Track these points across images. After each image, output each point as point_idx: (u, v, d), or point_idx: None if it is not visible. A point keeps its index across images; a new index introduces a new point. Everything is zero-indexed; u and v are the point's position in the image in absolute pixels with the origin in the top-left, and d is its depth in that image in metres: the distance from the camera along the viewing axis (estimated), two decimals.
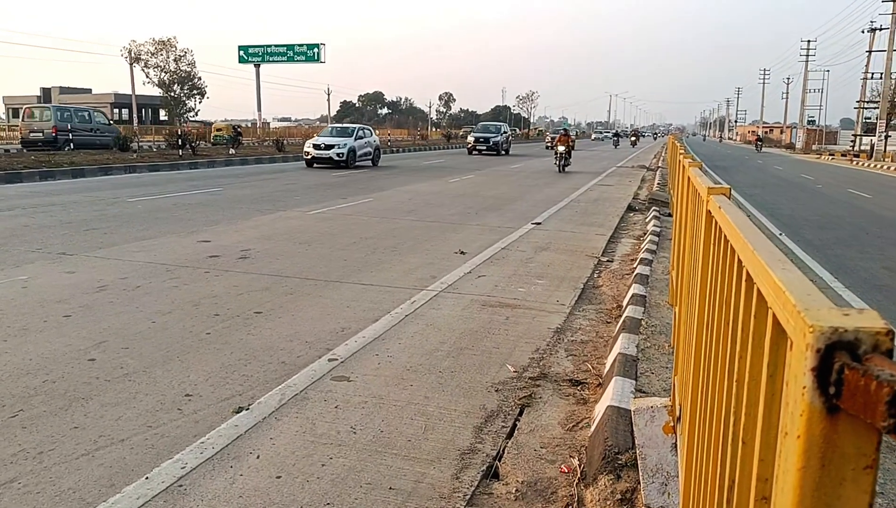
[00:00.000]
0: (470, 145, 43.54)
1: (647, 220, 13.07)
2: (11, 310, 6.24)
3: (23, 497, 3.21)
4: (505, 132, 45.12)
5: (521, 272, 8.37)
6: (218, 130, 44.88)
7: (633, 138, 73.98)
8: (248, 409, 4.20)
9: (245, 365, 5.00)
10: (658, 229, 11.29)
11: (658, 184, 20.81)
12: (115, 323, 5.92)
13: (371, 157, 29.28)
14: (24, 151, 29.69)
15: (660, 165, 31.88)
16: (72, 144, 29.94)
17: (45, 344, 5.34)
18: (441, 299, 6.95)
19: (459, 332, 5.91)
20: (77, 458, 3.58)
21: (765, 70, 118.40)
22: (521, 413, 4.29)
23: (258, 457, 3.61)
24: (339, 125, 32.10)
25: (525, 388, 4.68)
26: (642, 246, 9.94)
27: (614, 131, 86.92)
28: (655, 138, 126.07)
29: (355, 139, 27.79)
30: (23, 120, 32.05)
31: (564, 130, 32.38)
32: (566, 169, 27.44)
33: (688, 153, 14.02)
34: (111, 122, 36.75)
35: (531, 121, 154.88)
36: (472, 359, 5.24)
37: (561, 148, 27.33)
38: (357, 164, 27.76)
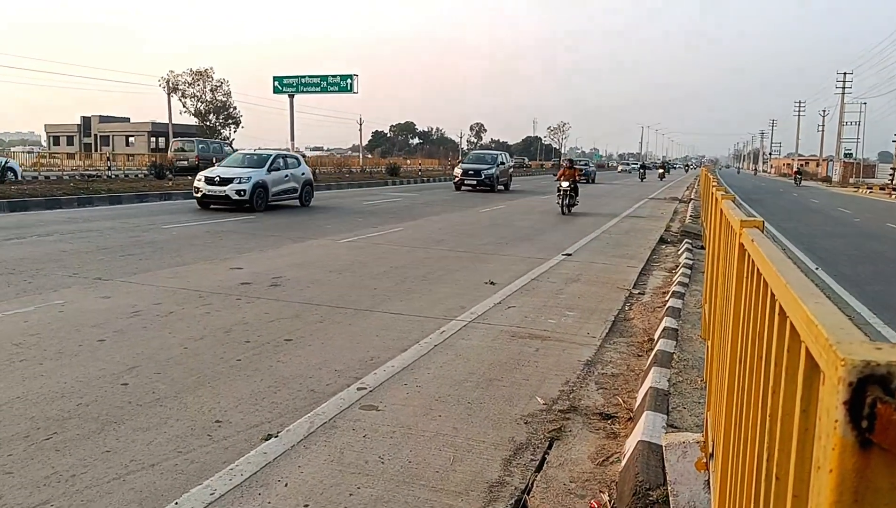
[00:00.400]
0: (457, 179, 34.28)
1: (679, 252, 12.96)
2: (48, 333, 6.36)
3: None
4: (502, 163, 36.00)
5: (551, 304, 8.34)
6: None
7: (660, 171, 66.75)
8: (276, 436, 4.22)
9: (275, 392, 5.02)
10: (691, 262, 11.19)
11: (690, 216, 20.67)
12: (147, 348, 6.00)
13: (298, 194, 21.80)
14: (173, 176, 35.26)
15: (692, 196, 31.68)
16: None
17: (80, 368, 5.42)
18: (471, 330, 6.94)
19: (489, 363, 5.89)
20: (109, 482, 3.62)
21: (800, 102, 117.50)
22: (550, 447, 4.25)
23: (286, 485, 3.61)
24: (250, 151, 23.94)
25: (555, 421, 4.64)
26: (674, 279, 9.86)
27: (641, 163, 77.43)
28: (687, 170, 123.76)
29: (269, 171, 20.24)
30: (173, 151, 40.68)
31: (570, 161, 25.03)
32: (572, 210, 21.95)
33: (721, 185, 13.91)
34: (235, 151, 42.76)
35: (562, 152, 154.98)
36: (501, 390, 5.21)
37: (564, 184, 21.82)
38: (274, 203, 20.63)
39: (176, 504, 3.38)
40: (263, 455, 3.96)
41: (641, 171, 64.30)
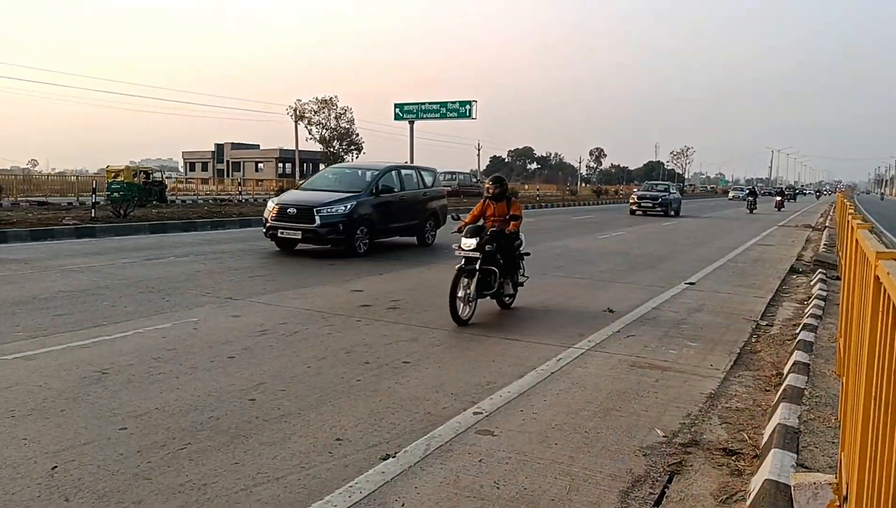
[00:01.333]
0: (268, 226, 14.83)
1: (812, 283, 12.30)
2: (184, 349, 6.76)
3: None
4: (388, 190, 15.99)
5: (672, 334, 8.11)
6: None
7: (777, 199, 53.65)
8: (394, 457, 4.30)
9: (393, 413, 5.13)
10: (825, 294, 10.59)
11: (825, 245, 19.58)
12: (273, 366, 6.27)
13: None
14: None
15: (827, 224, 30.04)
16: None
17: (212, 383, 5.74)
18: (588, 358, 6.85)
19: (606, 392, 5.79)
20: (237, 492, 3.80)
21: None
22: (669, 481, 4.12)
23: (403, 505, 3.68)
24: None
25: (675, 454, 4.50)
26: (806, 311, 9.36)
27: (750, 188, 56.78)
28: (819, 197, 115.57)
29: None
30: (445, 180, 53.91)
31: (495, 179, 9.43)
32: (507, 302, 9.42)
33: (858, 213, 13.05)
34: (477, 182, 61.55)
35: (685, 177, 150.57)
36: (619, 421, 5.11)
37: (468, 243, 8.35)
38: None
39: None
40: (381, 474, 4.05)
41: (751, 199, 47.36)
